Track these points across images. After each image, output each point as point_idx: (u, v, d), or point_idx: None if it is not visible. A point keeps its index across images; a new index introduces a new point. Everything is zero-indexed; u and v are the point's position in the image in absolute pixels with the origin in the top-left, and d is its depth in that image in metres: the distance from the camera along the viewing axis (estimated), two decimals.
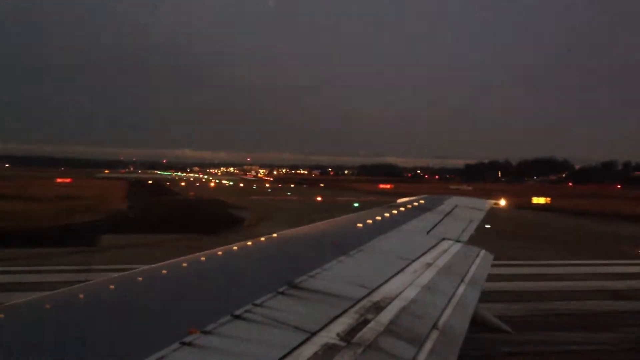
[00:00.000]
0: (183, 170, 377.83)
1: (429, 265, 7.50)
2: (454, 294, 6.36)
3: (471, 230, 12.21)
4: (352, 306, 4.93)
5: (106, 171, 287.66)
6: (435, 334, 4.76)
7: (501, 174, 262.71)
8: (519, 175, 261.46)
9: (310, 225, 10.63)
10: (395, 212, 13.45)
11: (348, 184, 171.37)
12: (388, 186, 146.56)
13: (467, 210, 15.66)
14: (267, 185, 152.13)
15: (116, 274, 5.62)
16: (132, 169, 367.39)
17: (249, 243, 7.76)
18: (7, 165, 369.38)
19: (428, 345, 4.47)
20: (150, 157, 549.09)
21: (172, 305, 4.56)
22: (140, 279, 5.31)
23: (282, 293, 4.93)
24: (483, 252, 9.49)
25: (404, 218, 12.43)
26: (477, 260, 8.76)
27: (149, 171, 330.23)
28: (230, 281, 5.56)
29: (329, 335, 4.07)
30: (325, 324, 4.31)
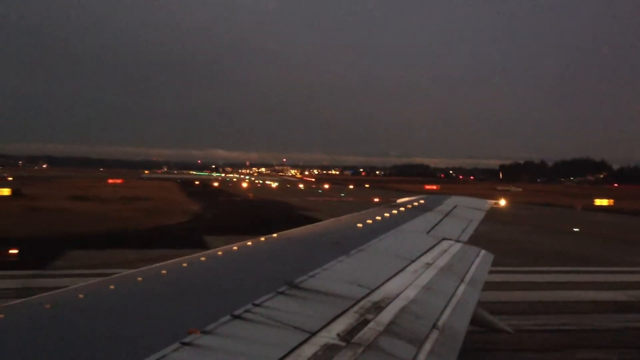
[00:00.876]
0: (216, 170, 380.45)
1: (428, 265, 7.45)
2: (453, 294, 6.31)
3: (471, 230, 12.09)
4: (352, 306, 4.91)
5: (146, 172, 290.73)
6: (435, 334, 4.74)
7: (537, 175, 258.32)
8: (554, 176, 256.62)
9: (310, 225, 10.59)
10: (395, 211, 13.33)
11: (392, 184, 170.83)
12: (434, 187, 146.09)
13: (467, 210, 15.54)
14: (313, 186, 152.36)
15: None
16: (165, 169, 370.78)
17: (249, 243, 7.67)
18: (44, 165, 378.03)
19: (428, 345, 4.45)
20: (181, 157, 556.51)
21: (172, 305, 4.52)
22: (140, 279, 5.25)
23: (282, 293, 4.90)
24: (483, 252, 9.43)
25: (404, 218, 12.32)
26: (477, 260, 8.70)
27: (185, 171, 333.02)
28: (230, 281, 5.54)
29: (329, 335, 4.05)
30: (325, 324, 4.28)
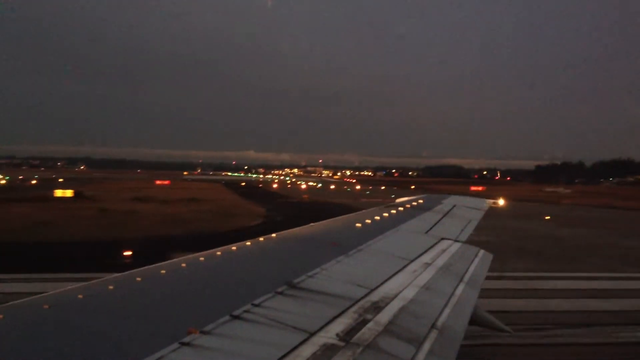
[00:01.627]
0: (248, 171, 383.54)
1: (427, 265, 7.43)
2: (452, 294, 6.30)
3: (470, 230, 12.01)
4: (351, 306, 4.90)
5: (185, 173, 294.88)
6: (434, 334, 4.72)
7: (574, 176, 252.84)
8: (592, 176, 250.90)
9: (309, 225, 10.52)
10: (394, 211, 13.29)
11: (433, 185, 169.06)
12: (480, 188, 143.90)
13: (466, 210, 15.48)
14: (357, 187, 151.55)
15: None
16: (199, 170, 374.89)
17: (248, 243, 7.64)
18: (82, 167, 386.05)
19: (427, 345, 4.43)
20: (214, 158, 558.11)
21: (171, 305, 4.53)
22: (139, 279, 5.25)
23: (281, 293, 4.90)
24: (482, 252, 9.36)
25: (403, 218, 12.28)
26: (476, 260, 8.66)
27: (219, 173, 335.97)
28: (229, 281, 5.53)
29: (328, 336, 4.04)
30: (324, 324, 4.28)
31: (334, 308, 4.75)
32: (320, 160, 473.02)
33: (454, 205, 15.82)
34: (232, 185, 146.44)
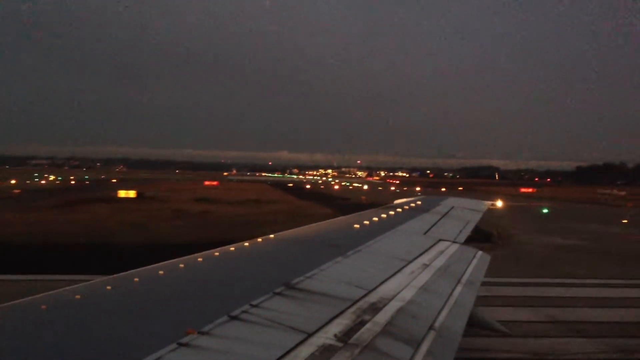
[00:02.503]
0: (283, 172, 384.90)
1: (425, 266, 7.43)
2: (450, 295, 6.29)
3: (468, 231, 11.98)
4: (349, 307, 4.89)
5: (225, 173, 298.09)
6: (432, 335, 4.71)
7: (617, 177, 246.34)
8: (634, 178, 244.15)
9: (307, 225, 10.42)
10: (392, 213, 13.23)
11: (479, 187, 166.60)
12: (530, 190, 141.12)
13: (464, 211, 15.36)
14: (404, 188, 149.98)
15: None
16: (235, 171, 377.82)
17: (246, 244, 7.64)
18: (120, 167, 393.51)
19: (425, 346, 4.42)
20: (248, 159, 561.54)
21: (169, 305, 4.52)
22: (137, 279, 5.25)
23: (279, 294, 4.90)
24: (480, 253, 9.31)
25: (401, 219, 12.24)
26: (474, 262, 8.62)
27: (256, 173, 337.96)
28: (227, 282, 5.52)
29: (326, 336, 4.04)
30: (322, 324, 4.27)
31: (332, 309, 4.75)
32: (359, 162, 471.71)
33: (452, 207, 15.70)
34: (280, 186, 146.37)
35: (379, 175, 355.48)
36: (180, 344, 3.49)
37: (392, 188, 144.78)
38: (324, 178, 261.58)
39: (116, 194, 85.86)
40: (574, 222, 58.06)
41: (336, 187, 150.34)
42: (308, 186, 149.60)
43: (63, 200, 73.50)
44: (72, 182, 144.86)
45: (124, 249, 33.12)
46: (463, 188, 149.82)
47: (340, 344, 3.97)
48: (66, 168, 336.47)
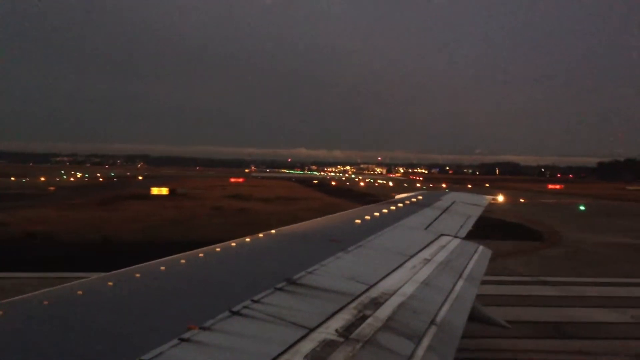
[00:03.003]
0: (302, 168, 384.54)
1: (427, 261, 7.41)
2: (452, 290, 6.27)
3: (469, 226, 11.91)
4: (350, 302, 4.89)
5: (246, 170, 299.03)
6: (433, 330, 4.71)
7: (638, 173, 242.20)
8: None
9: (308, 221, 10.39)
10: (393, 208, 13.20)
11: (507, 183, 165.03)
12: (558, 186, 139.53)
13: (465, 206, 15.32)
14: (430, 185, 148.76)
15: None
16: (253, 167, 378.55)
17: (247, 239, 7.63)
18: (141, 164, 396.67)
19: (426, 341, 4.42)
20: (266, 155, 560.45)
21: (171, 301, 4.52)
22: (138, 275, 5.25)
23: (280, 289, 4.90)
24: (481, 248, 9.28)
25: (402, 214, 12.20)
26: (475, 256, 8.59)
27: (277, 170, 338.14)
28: (229, 277, 5.51)
29: (327, 331, 4.04)
30: (323, 320, 4.27)
31: (333, 304, 4.75)
32: (380, 158, 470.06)
33: (454, 202, 15.67)
34: (305, 183, 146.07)
35: (397, 171, 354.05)
36: (182, 340, 3.50)
37: (418, 185, 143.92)
38: (344, 175, 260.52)
39: (148, 191, 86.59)
40: (616, 219, 57.34)
41: (361, 183, 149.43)
42: (333, 183, 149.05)
43: (100, 197, 74.38)
44: (100, 179, 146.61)
45: (193, 247, 33.63)
46: (489, 185, 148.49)
47: (341, 339, 3.97)
48: (88, 165, 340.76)
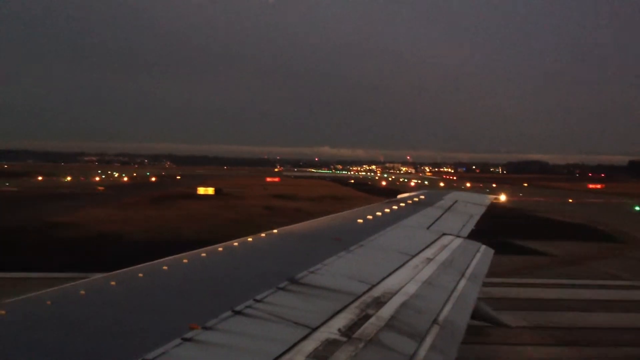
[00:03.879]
0: (327, 167, 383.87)
1: (429, 260, 7.39)
2: (454, 289, 6.25)
3: (471, 225, 11.88)
4: (352, 301, 4.88)
5: (275, 169, 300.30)
6: (435, 329, 4.70)
7: None
8: None
9: (311, 220, 10.41)
10: (395, 207, 13.21)
11: (542, 182, 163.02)
12: (598, 186, 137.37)
13: (468, 205, 15.30)
14: (466, 185, 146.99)
15: None
16: (280, 167, 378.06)
17: (249, 239, 7.61)
18: (167, 163, 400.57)
19: (429, 340, 4.41)
20: (291, 154, 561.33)
21: (173, 301, 4.52)
22: (141, 275, 5.25)
23: (282, 289, 4.89)
24: (483, 247, 9.25)
25: (404, 213, 12.19)
26: (478, 256, 8.57)
27: (304, 169, 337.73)
28: (231, 277, 5.50)
29: (330, 331, 4.03)
30: (325, 319, 4.26)
31: (335, 303, 4.73)
32: (409, 157, 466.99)
33: (456, 201, 15.70)
34: (341, 182, 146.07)
35: (423, 170, 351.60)
36: (185, 339, 3.49)
37: (455, 184, 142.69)
38: (372, 173, 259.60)
39: (194, 190, 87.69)
40: None
41: (397, 183, 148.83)
42: (369, 182, 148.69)
43: (151, 196, 75.60)
44: (139, 179, 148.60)
45: None
46: (527, 184, 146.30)
47: (344, 339, 3.96)
48: (117, 164, 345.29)
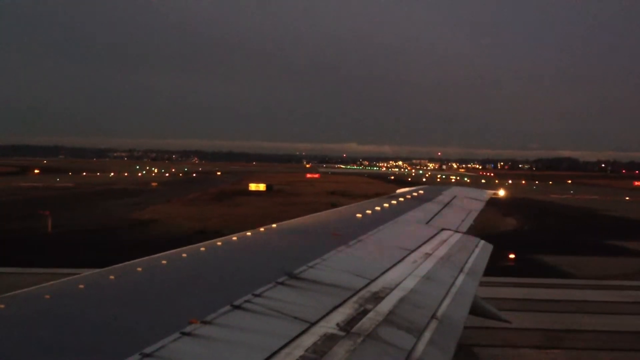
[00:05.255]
0: (354, 163, 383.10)
1: (428, 255, 7.40)
2: (453, 284, 6.24)
3: (470, 220, 11.86)
4: (351, 296, 4.88)
5: (307, 165, 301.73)
6: (434, 324, 4.70)
7: None
8: None
9: (310, 215, 10.45)
10: (394, 202, 13.21)
11: (582, 180, 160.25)
12: None
13: (467, 200, 15.26)
14: (509, 181, 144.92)
15: None
16: (308, 164, 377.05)
17: (249, 234, 7.63)
18: (195, 159, 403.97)
19: (427, 335, 4.41)
20: (317, 151, 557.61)
21: (172, 295, 4.52)
22: (140, 269, 5.24)
23: (281, 283, 4.87)
24: (482, 242, 9.26)
25: (403, 208, 12.19)
26: (476, 251, 8.58)
27: (334, 165, 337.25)
28: (230, 272, 5.51)
29: (329, 325, 4.04)
30: (324, 314, 4.27)
31: (334, 298, 4.73)
32: (440, 153, 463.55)
33: (455, 196, 15.66)
34: (382, 178, 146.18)
35: (450, 167, 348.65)
36: (184, 333, 3.49)
37: (496, 181, 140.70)
38: (401, 169, 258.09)
39: (245, 186, 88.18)
40: None
41: (437, 179, 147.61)
42: (409, 179, 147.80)
43: (207, 192, 76.13)
44: (180, 174, 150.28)
45: None
46: (571, 181, 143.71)
47: (342, 333, 3.97)
48: (146, 160, 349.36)
